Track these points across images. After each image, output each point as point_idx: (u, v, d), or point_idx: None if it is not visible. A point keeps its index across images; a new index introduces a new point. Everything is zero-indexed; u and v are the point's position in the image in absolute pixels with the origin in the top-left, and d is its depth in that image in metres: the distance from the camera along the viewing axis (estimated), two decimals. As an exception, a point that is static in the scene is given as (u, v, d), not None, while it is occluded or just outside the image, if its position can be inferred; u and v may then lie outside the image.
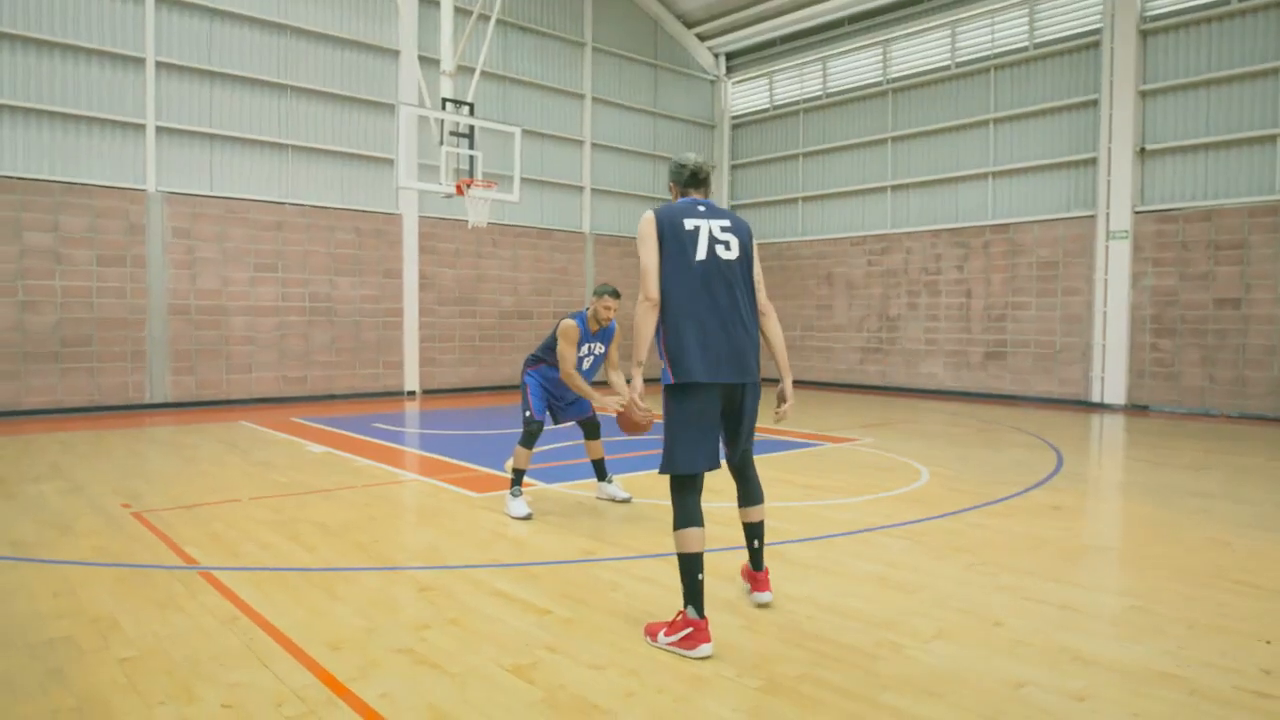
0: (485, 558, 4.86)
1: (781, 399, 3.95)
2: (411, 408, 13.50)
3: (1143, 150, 13.49)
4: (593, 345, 6.11)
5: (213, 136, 12.98)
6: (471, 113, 11.70)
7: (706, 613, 3.49)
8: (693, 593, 3.47)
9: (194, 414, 12.10)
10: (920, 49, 16.52)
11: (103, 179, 12.06)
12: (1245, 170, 12.63)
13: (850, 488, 6.98)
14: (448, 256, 15.53)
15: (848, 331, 17.63)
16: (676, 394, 3.56)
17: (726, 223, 3.69)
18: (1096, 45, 14.02)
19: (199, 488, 6.82)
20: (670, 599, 4.04)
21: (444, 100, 11.57)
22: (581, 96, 17.55)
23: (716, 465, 3.64)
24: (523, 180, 13.35)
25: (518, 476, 5.98)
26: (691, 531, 3.51)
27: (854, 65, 17.66)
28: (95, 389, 12.00)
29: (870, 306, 17.20)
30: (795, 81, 18.79)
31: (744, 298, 3.67)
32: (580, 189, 17.68)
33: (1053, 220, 14.63)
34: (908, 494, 6.75)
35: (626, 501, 6.38)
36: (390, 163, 14.65)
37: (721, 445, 3.81)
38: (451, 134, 11.49)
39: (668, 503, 3.75)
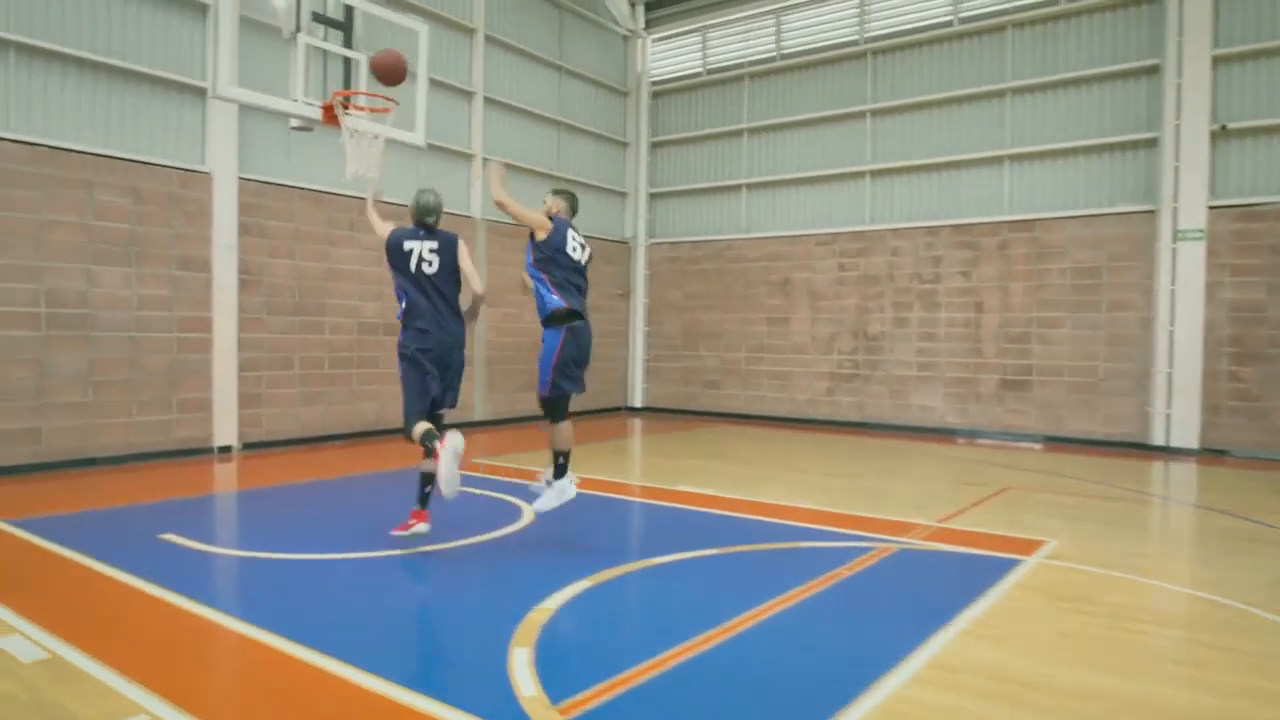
0: None
1: None
2: (225, 478, 8.41)
3: (1223, 129, 10.70)
4: None
5: None
6: (349, -15, 6.95)
7: None
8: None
9: None
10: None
11: None
12: (1359, 156, 10.07)
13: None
14: (283, 240, 10.41)
15: (811, 354, 13.97)
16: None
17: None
18: (1157, -4, 11.17)
19: None
20: None
21: (298, -37, 6.75)
22: (472, 31, 12.91)
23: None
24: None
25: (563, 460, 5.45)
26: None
27: (819, 19, 14.10)
28: None
29: (842, 322, 13.65)
30: (738, 39, 15.02)
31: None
32: (469, 156, 13.01)
33: (1094, 215, 11.63)
34: None
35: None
36: (193, 93, 9.47)
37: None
38: (316, 18, 6.70)
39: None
